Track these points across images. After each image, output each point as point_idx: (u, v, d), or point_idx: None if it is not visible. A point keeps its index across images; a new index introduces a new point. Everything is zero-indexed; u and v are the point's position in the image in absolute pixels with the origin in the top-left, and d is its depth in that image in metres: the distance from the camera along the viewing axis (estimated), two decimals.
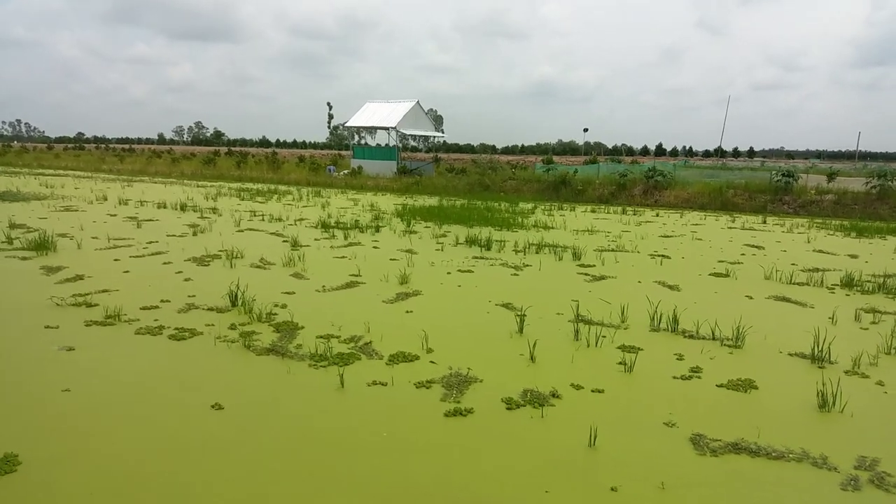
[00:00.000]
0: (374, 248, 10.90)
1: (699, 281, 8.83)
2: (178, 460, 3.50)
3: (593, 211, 19.42)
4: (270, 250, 10.24)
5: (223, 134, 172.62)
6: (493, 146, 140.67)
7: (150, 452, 3.58)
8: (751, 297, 7.83)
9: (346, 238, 11.86)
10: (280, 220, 14.63)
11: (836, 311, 7.06)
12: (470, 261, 9.86)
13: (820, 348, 5.48)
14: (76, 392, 4.38)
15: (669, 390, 4.73)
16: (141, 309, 6.46)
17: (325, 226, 13.34)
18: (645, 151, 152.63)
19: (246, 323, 6.09)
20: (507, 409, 4.30)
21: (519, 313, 6.58)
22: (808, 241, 13.24)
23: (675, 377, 4.99)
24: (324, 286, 7.77)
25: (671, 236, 13.62)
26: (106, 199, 18.68)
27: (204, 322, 6.09)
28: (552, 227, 14.42)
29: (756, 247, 12.25)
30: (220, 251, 9.96)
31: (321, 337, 5.70)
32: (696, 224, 16.35)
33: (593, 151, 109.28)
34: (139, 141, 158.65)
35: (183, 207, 16.46)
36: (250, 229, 12.89)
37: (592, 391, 4.65)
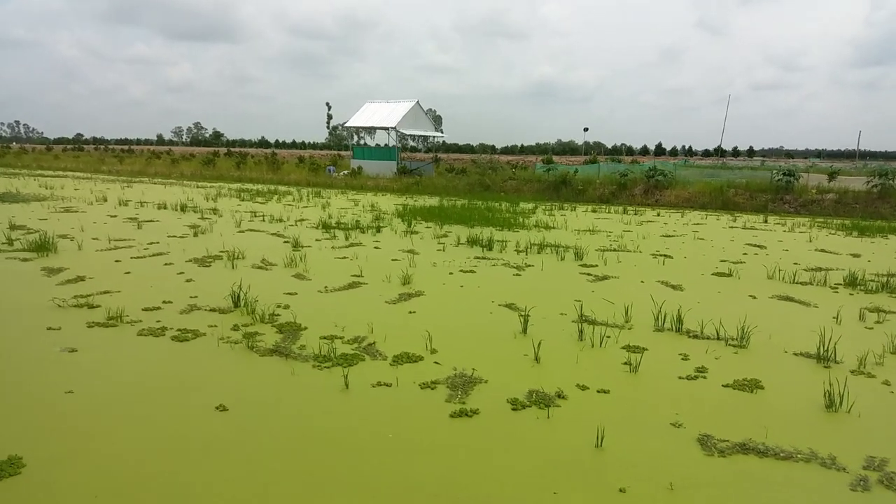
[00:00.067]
0: (376, 248, 10.88)
1: (702, 280, 8.82)
2: (182, 461, 3.48)
3: (594, 211, 19.40)
4: (272, 251, 10.22)
5: (222, 134, 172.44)
6: (493, 146, 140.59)
7: (153, 454, 3.55)
8: (754, 297, 7.81)
9: (347, 238, 11.83)
10: (281, 220, 14.60)
11: (840, 311, 7.05)
12: (472, 261, 9.84)
13: (825, 348, 5.47)
14: (79, 393, 4.35)
15: (675, 390, 4.71)
16: (143, 310, 6.44)
17: (325, 226, 13.32)
18: (645, 151, 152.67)
19: (249, 324, 6.07)
20: (513, 409, 4.28)
21: (522, 313, 6.55)
22: (810, 241, 13.22)
23: (680, 377, 4.97)
24: (326, 287, 7.75)
25: (673, 236, 13.61)
26: (106, 199, 18.66)
27: (206, 323, 6.07)
28: (553, 227, 14.40)
29: (758, 246, 12.23)
30: (222, 252, 9.94)
31: (324, 338, 5.68)
32: (698, 223, 16.34)
33: (593, 151, 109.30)
34: (138, 142, 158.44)
35: (183, 208, 16.44)
36: (251, 230, 12.87)
37: (598, 392, 4.63)
